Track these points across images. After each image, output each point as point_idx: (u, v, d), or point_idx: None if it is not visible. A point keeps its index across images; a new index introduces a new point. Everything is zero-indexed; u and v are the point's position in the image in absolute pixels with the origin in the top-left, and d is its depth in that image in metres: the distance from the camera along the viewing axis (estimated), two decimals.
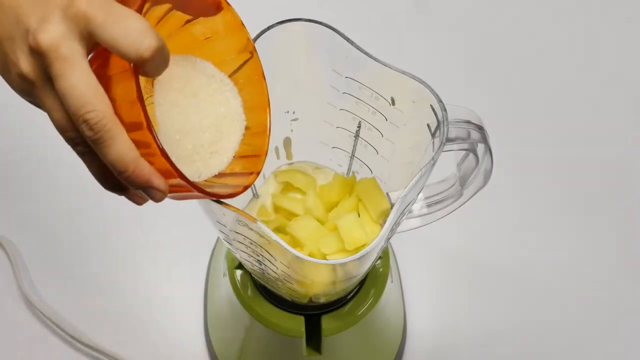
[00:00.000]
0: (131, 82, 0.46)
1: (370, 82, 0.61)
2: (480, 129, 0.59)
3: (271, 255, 0.57)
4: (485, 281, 0.84)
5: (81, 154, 0.49)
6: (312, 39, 0.60)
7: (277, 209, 0.68)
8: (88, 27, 0.45)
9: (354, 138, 0.66)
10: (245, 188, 0.54)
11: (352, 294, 0.69)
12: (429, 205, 0.68)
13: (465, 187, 0.65)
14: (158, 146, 0.46)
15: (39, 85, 0.47)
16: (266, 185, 0.69)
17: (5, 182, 0.89)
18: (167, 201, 0.92)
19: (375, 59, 0.59)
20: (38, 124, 0.92)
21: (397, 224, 0.59)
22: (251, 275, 0.70)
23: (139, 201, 0.52)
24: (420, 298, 0.82)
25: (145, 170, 0.47)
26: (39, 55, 0.45)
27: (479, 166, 0.63)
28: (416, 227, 0.69)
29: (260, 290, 0.69)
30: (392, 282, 0.73)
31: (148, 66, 0.46)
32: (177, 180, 0.48)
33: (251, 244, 0.58)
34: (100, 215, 0.87)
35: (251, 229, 0.55)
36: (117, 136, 0.46)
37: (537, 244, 0.87)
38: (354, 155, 0.67)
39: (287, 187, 0.69)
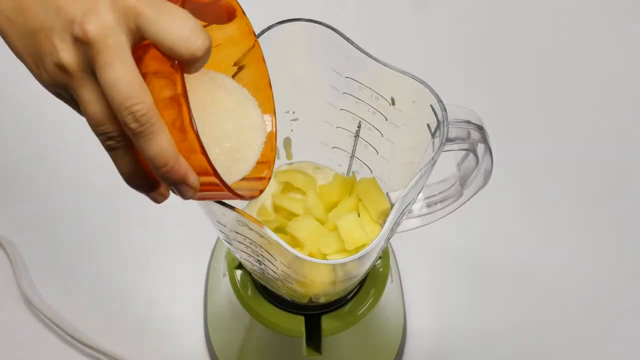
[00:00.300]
0: (175, 79, 0.46)
1: (370, 82, 0.61)
2: (480, 129, 0.59)
3: (271, 255, 0.57)
4: (485, 281, 0.84)
5: (112, 149, 0.48)
6: (312, 39, 0.60)
7: (277, 209, 0.68)
8: (137, 21, 0.46)
9: (354, 138, 0.66)
10: (261, 192, 0.55)
11: (352, 294, 0.69)
12: (429, 205, 0.68)
13: (465, 187, 0.65)
14: (199, 143, 0.46)
15: (77, 76, 0.46)
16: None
17: (5, 182, 0.89)
18: (167, 201, 0.92)
19: (375, 59, 0.59)
20: (38, 124, 0.93)
21: (397, 224, 0.59)
22: (251, 275, 0.70)
23: (159, 199, 0.52)
24: (420, 298, 0.82)
25: (183, 166, 0.47)
26: (84, 45, 0.45)
27: (479, 166, 0.63)
28: (416, 227, 0.69)
29: (260, 290, 0.69)
30: (392, 282, 0.73)
31: (197, 65, 0.46)
32: (209, 179, 0.48)
33: (251, 244, 0.58)
34: (100, 216, 0.87)
35: (251, 229, 0.55)
36: (161, 130, 0.46)
37: (537, 244, 0.87)
38: (354, 155, 0.67)
39: (287, 187, 0.69)
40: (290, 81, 0.61)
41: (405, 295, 0.81)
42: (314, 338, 0.68)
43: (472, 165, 0.63)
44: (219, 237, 0.79)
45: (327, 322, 0.68)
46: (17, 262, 0.82)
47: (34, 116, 0.93)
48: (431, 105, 0.57)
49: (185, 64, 0.46)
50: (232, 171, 0.54)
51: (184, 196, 0.49)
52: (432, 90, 0.57)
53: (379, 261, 0.71)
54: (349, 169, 0.69)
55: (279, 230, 0.65)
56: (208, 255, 0.82)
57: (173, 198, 0.89)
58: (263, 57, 0.56)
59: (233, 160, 0.54)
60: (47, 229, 0.86)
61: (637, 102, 0.98)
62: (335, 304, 0.68)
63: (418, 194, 0.63)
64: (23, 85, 0.95)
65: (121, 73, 0.45)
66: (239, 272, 0.71)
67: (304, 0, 0.95)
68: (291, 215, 0.66)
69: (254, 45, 0.56)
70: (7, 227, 0.85)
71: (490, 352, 0.80)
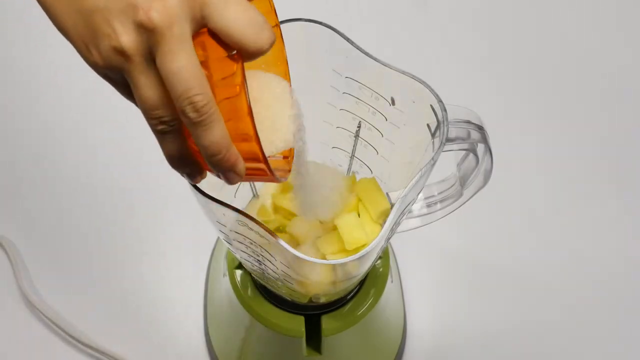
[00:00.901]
0: (235, 69, 0.46)
1: (370, 82, 0.61)
2: (480, 129, 0.59)
3: (271, 255, 0.57)
4: (485, 281, 0.84)
5: (162, 133, 0.48)
6: (312, 39, 0.60)
7: (277, 209, 0.68)
8: (204, 11, 0.46)
9: (354, 138, 0.66)
10: (288, 172, 0.56)
11: (352, 294, 0.69)
12: (429, 205, 0.68)
13: (465, 187, 0.65)
14: (255, 132, 0.47)
15: (136, 60, 0.46)
16: (266, 186, 0.69)
17: (5, 182, 0.89)
18: (167, 201, 0.92)
19: (375, 59, 0.59)
20: (38, 124, 0.93)
21: (397, 224, 0.59)
22: (251, 275, 0.70)
23: (198, 180, 0.52)
24: (420, 298, 0.82)
25: (234, 155, 0.48)
26: (147, 32, 0.45)
27: (479, 166, 0.63)
28: (416, 227, 0.69)
29: (260, 290, 0.69)
30: (392, 282, 0.73)
31: (258, 57, 0.47)
32: (257, 165, 0.49)
33: (251, 244, 0.58)
34: (100, 216, 0.87)
35: (251, 229, 0.55)
36: (218, 121, 0.47)
37: (537, 244, 0.87)
38: (354, 155, 0.67)
39: (287, 187, 0.69)
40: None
41: (405, 295, 0.81)
42: (314, 338, 0.68)
43: (472, 165, 0.63)
44: (219, 237, 0.79)
45: (327, 322, 0.68)
46: (17, 262, 0.82)
47: (34, 116, 0.93)
48: (431, 105, 0.57)
49: (246, 56, 0.47)
50: (275, 143, 0.55)
51: (230, 182, 0.50)
52: (432, 90, 0.57)
53: (379, 261, 0.71)
54: (349, 169, 0.69)
55: (279, 230, 0.65)
56: (208, 255, 0.82)
57: (175, 198, 0.89)
58: (282, 35, 0.56)
59: (273, 132, 0.55)
60: (47, 229, 0.86)
61: (638, 102, 0.98)
62: (335, 304, 0.68)
63: (418, 194, 0.63)
64: (23, 85, 0.96)
65: (184, 62, 0.45)
66: (239, 272, 0.71)
67: (304, 0, 0.95)
68: (291, 215, 0.66)
69: (275, 25, 0.56)
70: (7, 227, 0.85)
71: (490, 352, 0.80)
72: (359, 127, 0.65)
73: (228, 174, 0.49)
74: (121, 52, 0.46)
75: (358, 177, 0.68)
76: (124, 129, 0.92)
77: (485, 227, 0.87)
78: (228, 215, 0.55)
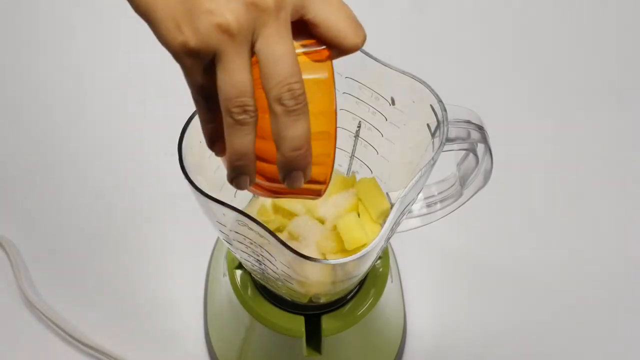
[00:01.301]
0: (323, 65, 0.46)
1: (370, 82, 0.61)
2: (480, 129, 0.59)
3: (271, 255, 0.57)
4: (485, 281, 0.84)
5: (242, 124, 0.46)
6: None
7: (277, 209, 0.68)
8: (306, 0, 0.45)
9: (354, 138, 0.66)
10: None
11: (352, 294, 0.69)
12: (429, 205, 0.68)
13: (465, 187, 0.65)
14: (335, 131, 0.47)
15: (238, 40, 0.44)
16: None
17: (5, 182, 0.89)
18: (167, 201, 0.92)
19: (375, 59, 0.59)
20: (39, 123, 0.93)
21: (397, 224, 0.59)
22: (251, 275, 0.70)
23: (247, 185, 0.49)
24: (420, 298, 0.82)
25: (310, 153, 0.47)
26: (259, 11, 0.44)
27: (479, 166, 0.63)
28: (416, 227, 0.69)
29: (260, 290, 0.69)
30: (392, 282, 0.73)
31: (349, 54, 0.47)
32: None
33: (251, 244, 0.58)
34: (100, 216, 0.87)
35: (251, 229, 0.55)
36: (307, 113, 0.45)
37: (537, 244, 0.87)
38: (354, 155, 0.67)
39: None
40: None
41: (405, 295, 0.81)
42: (314, 338, 0.68)
43: (472, 165, 0.63)
44: (219, 237, 0.79)
45: (327, 322, 0.68)
46: (17, 262, 0.82)
47: (34, 116, 0.93)
48: (431, 105, 0.57)
49: (339, 51, 0.47)
50: None
51: (293, 185, 0.48)
52: (432, 90, 0.57)
53: (379, 261, 0.71)
54: (349, 169, 0.69)
55: (279, 230, 0.65)
56: (208, 255, 0.82)
57: (175, 198, 0.89)
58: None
59: None
60: (47, 229, 0.86)
61: (638, 102, 0.98)
62: (335, 304, 0.68)
63: (418, 194, 0.63)
64: (23, 84, 0.96)
65: (289, 47, 0.44)
66: (239, 272, 0.71)
67: None
68: (291, 215, 0.66)
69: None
70: (7, 227, 0.85)
71: (490, 352, 0.80)
72: (359, 127, 0.65)
73: (296, 175, 0.47)
74: (226, 29, 0.44)
75: (358, 177, 0.68)
76: (124, 129, 0.92)
77: (485, 227, 0.87)
78: (228, 215, 0.55)
